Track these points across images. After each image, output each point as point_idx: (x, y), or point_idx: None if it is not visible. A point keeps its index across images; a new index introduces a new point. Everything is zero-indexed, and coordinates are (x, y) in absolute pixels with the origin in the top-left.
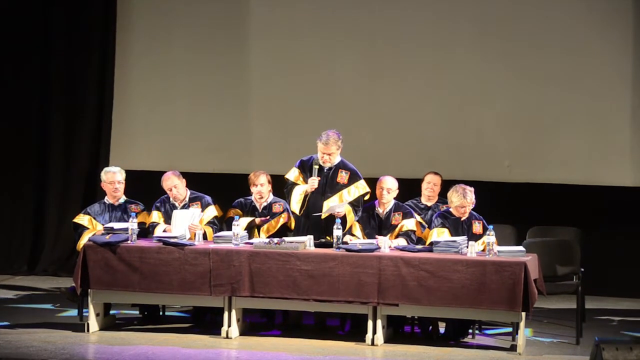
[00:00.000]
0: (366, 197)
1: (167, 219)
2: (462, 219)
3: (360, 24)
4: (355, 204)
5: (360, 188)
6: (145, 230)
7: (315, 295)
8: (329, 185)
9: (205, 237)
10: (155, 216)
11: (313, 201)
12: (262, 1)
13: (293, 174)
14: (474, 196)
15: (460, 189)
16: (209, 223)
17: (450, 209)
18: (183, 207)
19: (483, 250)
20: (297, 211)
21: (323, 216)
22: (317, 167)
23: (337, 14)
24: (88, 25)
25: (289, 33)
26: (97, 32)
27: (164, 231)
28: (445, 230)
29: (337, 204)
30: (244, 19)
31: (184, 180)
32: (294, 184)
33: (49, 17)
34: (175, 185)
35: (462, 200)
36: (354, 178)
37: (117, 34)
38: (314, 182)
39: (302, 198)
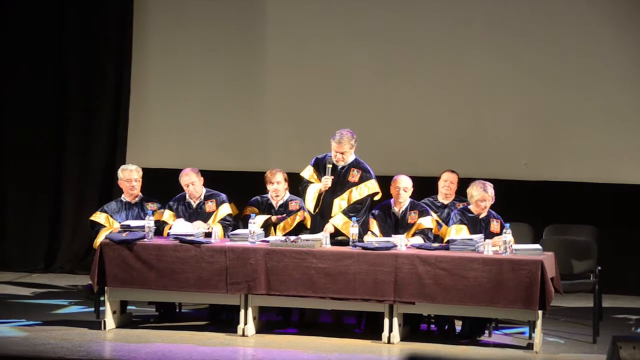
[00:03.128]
0: (376, 198)
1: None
2: (480, 217)
3: (375, 24)
4: (358, 203)
5: (369, 187)
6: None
7: (331, 293)
8: (340, 183)
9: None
10: (167, 215)
11: (326, 200)
12: (278, 0)
13: (308, 172)
14: (494, 192)
15: (481, 183)
16: (223, 220)
17: (469, 207)
18: (198, 205)
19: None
20: (311, 210)
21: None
22: (330, 165)
23: (352, 14)
24: (105, 23)
25: (304, 32)
26: (113, 30)
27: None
28: (464, 227)
29: (332, 224)
30: (260, 18)
31: (201, 178)
32: (309, 182)
33: (65, 16)
34: (192, 182)
35: (483, 194)
36: (365, 177)
37: (133, 32)
38: (327, 181)
39: (317, 197)
